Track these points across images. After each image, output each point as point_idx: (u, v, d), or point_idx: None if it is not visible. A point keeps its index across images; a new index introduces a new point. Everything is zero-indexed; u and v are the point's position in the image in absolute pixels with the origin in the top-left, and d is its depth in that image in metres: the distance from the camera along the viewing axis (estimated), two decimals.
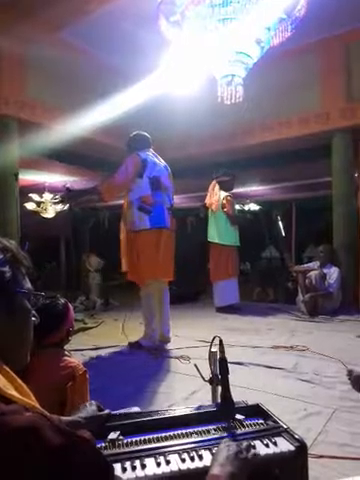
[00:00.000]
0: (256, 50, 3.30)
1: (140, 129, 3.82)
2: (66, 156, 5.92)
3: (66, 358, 1.70)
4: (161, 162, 3.75)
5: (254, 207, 9.97)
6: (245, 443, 1.00)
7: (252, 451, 0.97)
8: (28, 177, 6.87)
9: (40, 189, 7.85)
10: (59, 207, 7.79)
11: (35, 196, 7.74)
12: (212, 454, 1.00)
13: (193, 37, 3.27)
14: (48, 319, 1.66)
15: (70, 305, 1.82)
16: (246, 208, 9.75)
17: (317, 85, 5.50)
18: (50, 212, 7.94)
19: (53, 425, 0.60)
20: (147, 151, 3.69)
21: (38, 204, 7.83)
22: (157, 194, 3.59)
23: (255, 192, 9.02)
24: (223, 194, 5.44)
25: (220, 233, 5.43)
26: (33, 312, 0.81)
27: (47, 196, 7.84)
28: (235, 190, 5.81)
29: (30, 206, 7.59)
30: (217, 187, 5.53)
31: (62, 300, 1.77)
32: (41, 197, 7.85)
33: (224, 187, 5.51)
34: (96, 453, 0.69)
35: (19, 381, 0.69)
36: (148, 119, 5.57)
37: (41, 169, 6.71)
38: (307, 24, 3.44)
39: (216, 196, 5.48)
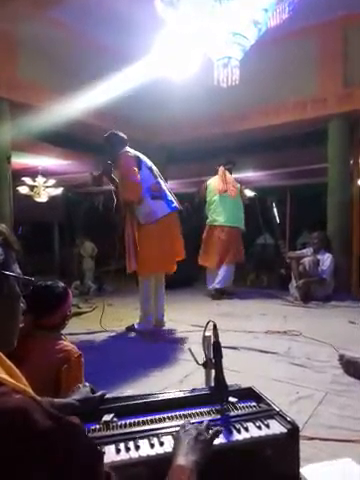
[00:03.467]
0: (253, 32, 3.22)
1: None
2: (59, 139, 5.82)
3: (62, 342, 1.71)
4: None
5: (249, 193, 9.91)
6: (204, 423, 1.01)
7: (212, 429, 0.98)
8: (21, 160, 6.76)
9: (33, 173, 7.73)
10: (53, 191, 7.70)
11: (28, 180, 7.64)
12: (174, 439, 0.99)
13: (189, 18, 3.19)
14: (48, 299, 1.68)
15: (69, 290, 1.85)
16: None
17: (314, 70, 5.43)
18: (43, 196, 7.85)
19: (42, 409, 0.60)
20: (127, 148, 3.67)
21: (31, 188, 7.73)
22: (158, 182, 3.64)
23: (250, 178, 8.96)
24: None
25: (238, 217, 5.52)
26: (21, 298, 0.79)
27: (40, 180, 7.74)
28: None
29: (23, 190, 7.49)
30: (228, 174, 5.53)
31: (62, 284, 1.81)
32: (34, 181, 7.74)
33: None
34: (85, 438, 0.69)
35: (9, 363, 0.69)
36: (142, 102, 5.48)
37: (34, 152, 6.59)
38: (305, 7, 3.36)
39: (232, 182, 5.52)
